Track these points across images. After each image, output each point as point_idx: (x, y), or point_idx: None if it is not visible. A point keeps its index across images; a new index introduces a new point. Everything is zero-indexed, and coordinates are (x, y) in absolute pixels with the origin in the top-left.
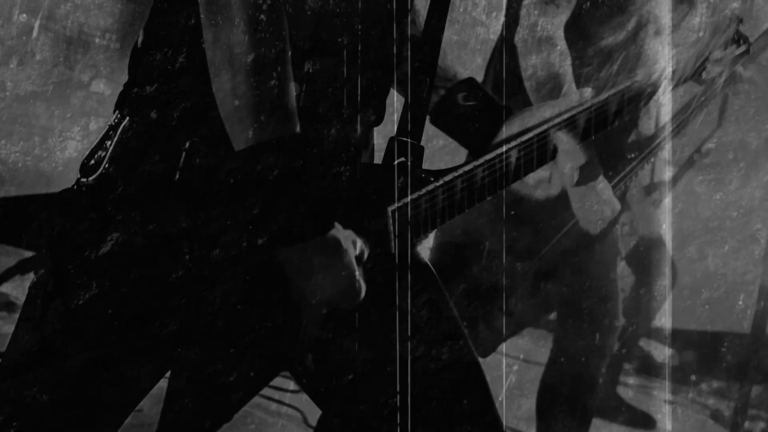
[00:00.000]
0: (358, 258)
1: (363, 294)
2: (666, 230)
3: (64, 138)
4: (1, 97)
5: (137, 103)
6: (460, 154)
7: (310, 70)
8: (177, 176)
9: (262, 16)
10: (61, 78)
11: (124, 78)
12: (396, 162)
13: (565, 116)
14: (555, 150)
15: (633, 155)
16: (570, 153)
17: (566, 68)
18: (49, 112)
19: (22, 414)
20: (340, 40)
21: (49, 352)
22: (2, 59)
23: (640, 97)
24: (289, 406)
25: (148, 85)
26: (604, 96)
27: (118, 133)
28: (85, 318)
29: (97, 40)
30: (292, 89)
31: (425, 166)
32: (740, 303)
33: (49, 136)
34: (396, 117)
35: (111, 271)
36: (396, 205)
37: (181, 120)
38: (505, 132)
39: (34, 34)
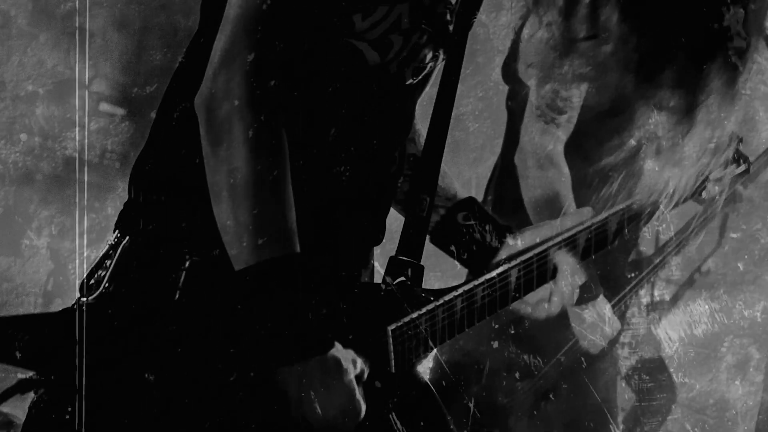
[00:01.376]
0: (358, 377)
1: (363, 414)
2: None
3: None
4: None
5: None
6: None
7: None
8: (177, 296)
9: (263, 137)
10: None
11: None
12: (396, 281)
13: (565, 235)
14: (555, 269)
15: (633, 274)
16: (570, 272)
17: (566, 187)
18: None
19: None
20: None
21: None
22: None
23: (640, 216)
24: None
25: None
26: (604, 215)
27: (118, 252)
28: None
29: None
30: (292, 209)
31: None
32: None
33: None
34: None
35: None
36: (396, 324)
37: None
38: (506, 251)
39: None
